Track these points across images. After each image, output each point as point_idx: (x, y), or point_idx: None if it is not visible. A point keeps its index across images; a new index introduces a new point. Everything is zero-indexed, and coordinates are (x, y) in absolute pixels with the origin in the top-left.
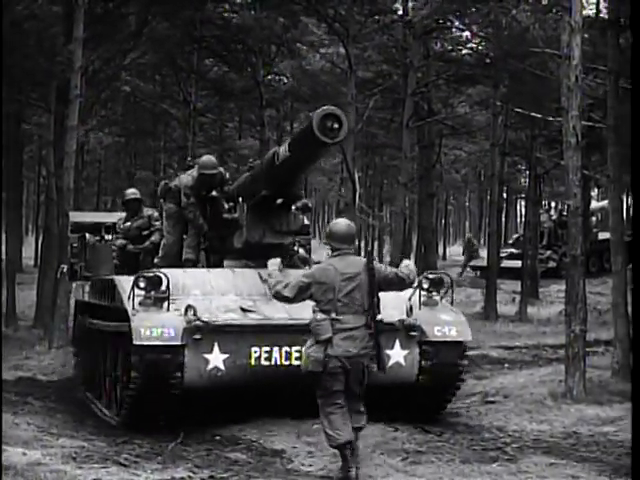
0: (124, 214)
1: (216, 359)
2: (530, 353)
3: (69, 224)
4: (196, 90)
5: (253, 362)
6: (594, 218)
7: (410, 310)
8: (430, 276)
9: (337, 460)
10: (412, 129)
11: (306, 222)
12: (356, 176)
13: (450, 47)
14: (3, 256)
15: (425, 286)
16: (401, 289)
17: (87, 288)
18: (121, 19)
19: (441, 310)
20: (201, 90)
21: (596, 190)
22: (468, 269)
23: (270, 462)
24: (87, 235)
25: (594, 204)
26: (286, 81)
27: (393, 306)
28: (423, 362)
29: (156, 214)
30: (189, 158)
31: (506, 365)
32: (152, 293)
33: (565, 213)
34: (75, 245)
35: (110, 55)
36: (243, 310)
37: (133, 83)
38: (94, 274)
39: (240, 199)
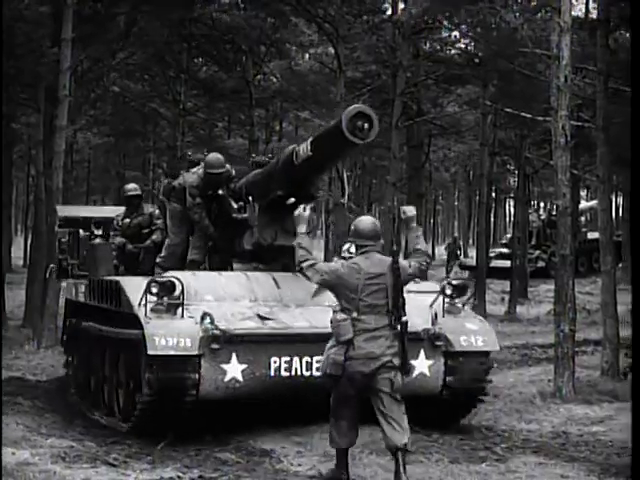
0: (115, 208)
1: (234, 370)
2: (519, 353)
3: (57, 219)
4: (185, 90)
5: (273, 373)
6: (583, 218)
7: (435, 318)
8: (454, 282)
9: (326, 460)
10: (401, 129)
11: None
12: (345, 176)
13: (439, 47)
14: None
15: (448, 292)
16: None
17: (82, 288)
18: (110, 19)
19: (466, 318)
20: (190, 90)
21: (585, 190)
22: (457, 269)
23: (259, 462)
24: (81, 231)
25: (583, 204)
26: (275, 81)
27: (416, 314)
28: (448, 373)
29: (157, 212)
30: (189, 152)
31: (495, 364)
32: (165, 299)
33: (554, 213)
34: (64, 240)
35: (99, 55)
36: (260, 318)
37: (122, 83)
38: (92, 274)
39: (250, 198)
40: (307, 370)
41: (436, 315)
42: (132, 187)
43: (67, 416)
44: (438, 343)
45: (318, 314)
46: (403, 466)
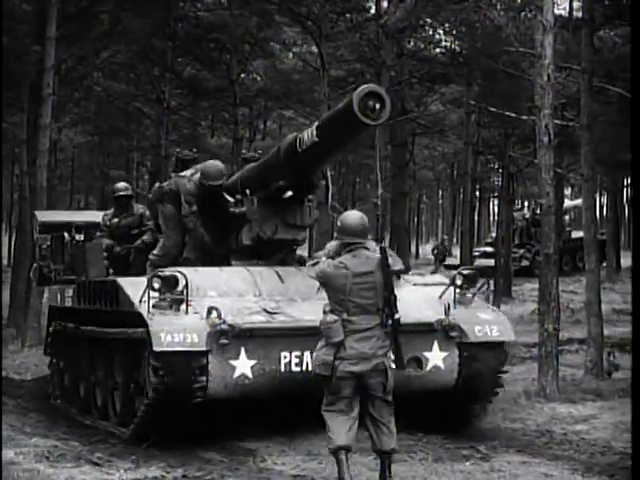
0: (98, 212)
1: (243, 366)
2: None
3: (36, 224)
4: (170, 88)
5: (283, 368)
6: (567, 217)
7: (447, 309)
8: (464, 272)
9: (310, 459)
10: (385, 127)
11: None
12: (329, 174)
13: (423, 46)
14: None
15: (458, 283)
16: None
17: (69, 292)
18: (94, 17)
19: (478, 308)
20: (175, 89)
21: (569, 189)
22: (442, 269)
23: (243, 461)
24: (65, 234)
25: (567, 203)
26: (259, 80)
27: (427, 306)
28: (463, 366)
29: (148, 213)
30: (177, 150)
31: None
32: (168, 295)
33: (538, 212)
34: (44, 247)
35: (83, 53)
36: (268, 312)
37: (106, 82)
38: (81, 276)
39: (248, 192)
40: None
41: (448, 306)
42: (123, 186)
43: (51, 415)
44: (452, 334)
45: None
46: (389, 469)
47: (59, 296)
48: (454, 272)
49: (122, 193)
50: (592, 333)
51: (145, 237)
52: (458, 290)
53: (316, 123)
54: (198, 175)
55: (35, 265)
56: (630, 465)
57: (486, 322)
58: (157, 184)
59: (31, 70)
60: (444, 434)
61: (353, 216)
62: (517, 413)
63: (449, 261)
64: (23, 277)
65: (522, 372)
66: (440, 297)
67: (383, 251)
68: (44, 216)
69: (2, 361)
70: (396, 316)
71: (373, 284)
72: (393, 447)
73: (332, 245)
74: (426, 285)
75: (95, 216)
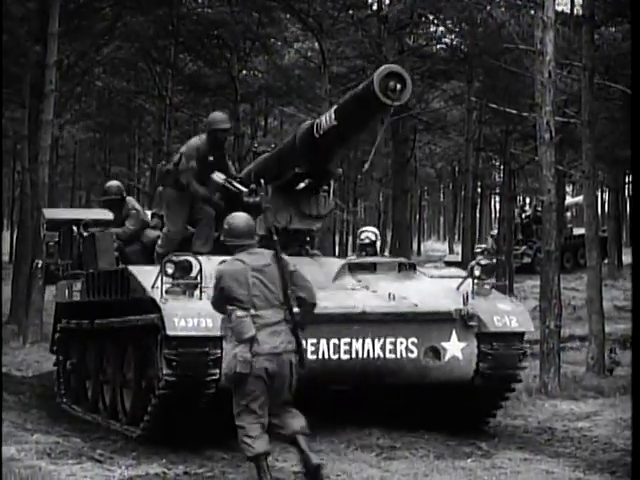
0: (104, 210)
1: None
2: None
3: (44, 221)
4: (171, 85)
5: None
6: (569, 214)
7: (466, 299)
8: (482, 262)
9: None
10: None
11: None
12: None
13: (425, 42)
14: None
15: (477, 273)
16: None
17: (77, 287)
18: (95, 13)
19: (497, 299)
20: (176, 85)
21: (571, 186)
22: (443, 265)
23: (244, 458)
24: (74, 228)
25: (569, 200)
26: (260, 76)
27: (444, 296)
28: (481, 357)
29: (133, 200)
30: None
31: None
32: (181, 280)
33: (539, 209)
34: (51, 244)
35: (84, 49)
36: None
37: (108, 79)
38: (91, 267)
39: (262, 181)
40: (335, 353)
41: (467, 296)
42: (115, 187)
43: (53, 412)
44: (471, 323)
45: (342, 296)
46: (308, 448)
47: (67, 291)
48: (473, 262)
49: (112, 197)
50: (593, 330)
51: (128, 222)
52: (476, 281)
53: (334, 107)
54: (204, 135)
55: (41, 263)
56: (631, 462)
57: (505, 312)
58: (161, 163)
59: (33, 66)
60: (445, 431)
61: (240, 219)
62: (518, 410)
63: (450, 258)
64: (25, 273)
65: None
66: (458, 288)
67: (275, 244)
68: (51, 213)
69: (2, 358)
70: (295, 310)
71: (272, 277)
72: (304, 425)
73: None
74: (442, 277)
75: (103, 214)
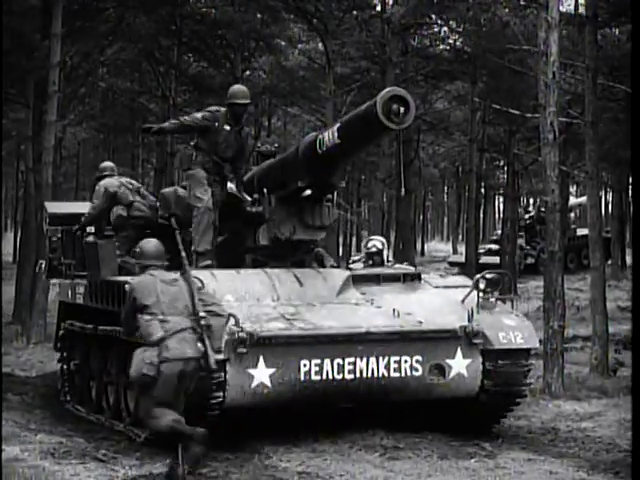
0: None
1: (261, 375)
2: None
3: (46, 215)
4: (175, 85)
5: (303, 377)
6: (572, 214)
7: (471, 315)
8: (487, 276)
9: (315, 456)
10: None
11: None
12: None
13: (428, 43)
14: None
15: (481, 286)
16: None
17: (80, 289)
18: (99, 14)
19: (502, 314)
20: (180, 85)
21: (574, 186)
22: (446, 265)
23: (248, 458)
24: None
25: (572, 200)
26: (264, 77)
27: (450, 311)
28: (486, 374)
29: (112, 181)
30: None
31: None
32: None
33: (543, 209)
34: (54, 239)
35: (88, 50)
36: (286, 319)
37: (111, 79)
38: (93, 275)
39: (265, 190)
40: (339, 373)
41: (472, 311)
42: (106, 168)
43: (56, 412)
44: (476, 341)
45: (346, 313)
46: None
47: (70, 292)
48: (478, 275)
49: (102, 175)
50: (597, 330)
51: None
52: (481, 294)
53: (337, 124)
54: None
55: (44, 263)
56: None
57: (510, 328)
58: (185, 146)
59: (36, 67)
60: (449, 432)
61: (151, 243)
62: (522, 410)
63: (454, 259)
64: (28, 273)
65: None
66: (463, 301)
67: (183, 259)
68: (53, 207)
69: (2, 358)
70: (202, 322)
71: (181, 289)
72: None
73: None
74: (447, 287)
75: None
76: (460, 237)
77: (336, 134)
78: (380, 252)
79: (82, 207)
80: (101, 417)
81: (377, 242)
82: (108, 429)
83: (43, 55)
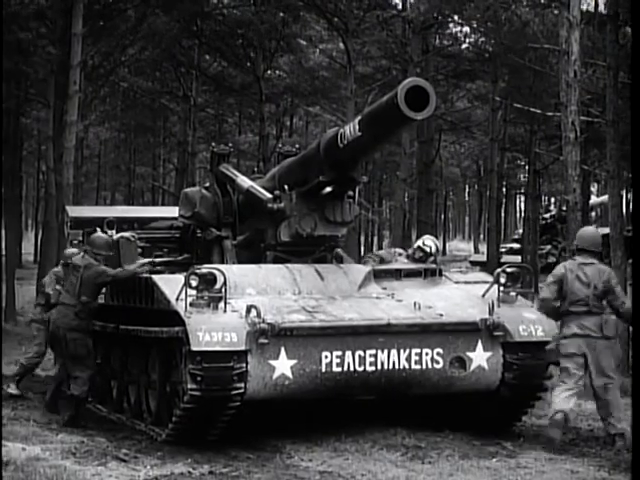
0: (127, 207)
1: (283, 366)
2: None
3: (68, 219)
4: (196, 85)
5: (324, 369)
6: (593, 213)
7: (492, 308)
8: (508, 270)
9: (337, 455)
10: (411, 125)
11: None
12: None
13: (449, 42)
14: (3, 252)
15: (502, 281)
16: None
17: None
18: (120, 14)
19: (523, 307)
20: (201, 85)
21: (595, 185)
22: (468, 264)
23: (269, 457)
24: (98, 230)
25: (593, 199)
26: (285, 76)
27: (470, 304)
28: (506, 367)
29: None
30: (212, 145)
31: None
32: (206, 292)
33: (564, 208)
34: (75, 242)
35: (109, 50)
36: (307, 311)
37: (132, 79)
38: None
39: (286, 187)
40: (360, 365)
41: (492, 305)
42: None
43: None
44: (496, 333)
45: (367, 306)
46: None
47: None
48: (499, 269)
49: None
50: (618, 329)
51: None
52: (502, 288)
53: (358, 117)
54: None
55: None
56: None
57: (531, 321)
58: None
59: (57, 67)
60: (470, 431)
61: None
62: (543, 409)
63: (476, 258)
64: None
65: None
66: (483, 295)
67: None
68: (75, 211)
69: (2, 358)
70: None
71: (78, 276)
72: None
73: None
74: (468, 283)
75: (126, 211)
76: (481, 236)
77: (357, 127)
78: (431, 254)
79: (103, 211)
80: (122, 417)
81: (433, 244)
82: (129, 429)
83: (65, 54)
